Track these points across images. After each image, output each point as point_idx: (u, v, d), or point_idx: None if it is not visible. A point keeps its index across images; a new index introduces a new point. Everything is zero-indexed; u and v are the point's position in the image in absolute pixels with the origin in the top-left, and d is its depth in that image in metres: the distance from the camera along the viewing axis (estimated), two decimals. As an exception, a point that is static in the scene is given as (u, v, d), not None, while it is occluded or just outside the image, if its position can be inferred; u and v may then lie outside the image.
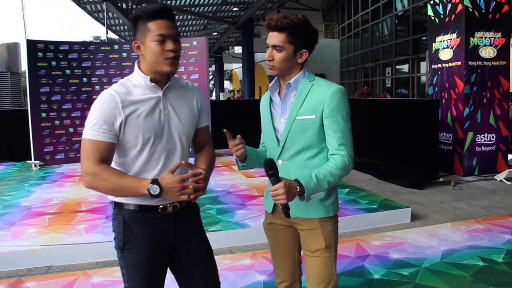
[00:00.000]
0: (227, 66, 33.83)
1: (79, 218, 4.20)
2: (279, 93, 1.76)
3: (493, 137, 6.32)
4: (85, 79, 7.90)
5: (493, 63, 6.24)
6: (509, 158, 6.56)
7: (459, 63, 6.21)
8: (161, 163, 1.57)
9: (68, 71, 7.75)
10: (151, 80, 1.56)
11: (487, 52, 6.21)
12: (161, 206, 1.57)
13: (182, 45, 1.72)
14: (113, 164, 1.55)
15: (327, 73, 18.44)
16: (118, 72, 8.02)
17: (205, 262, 1.70)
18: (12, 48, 15.74)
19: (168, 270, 1.70)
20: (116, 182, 1.45)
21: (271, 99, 1.78)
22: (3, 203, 4.85)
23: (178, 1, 17.81)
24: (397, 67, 14.94)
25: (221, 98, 23.17)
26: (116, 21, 21.14)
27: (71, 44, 7.86)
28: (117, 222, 1.58)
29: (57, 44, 7.69)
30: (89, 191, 5.38)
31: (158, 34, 1.48)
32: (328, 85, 1.65)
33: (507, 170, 5.89)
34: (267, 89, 1.80)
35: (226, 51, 31.88)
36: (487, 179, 5.97)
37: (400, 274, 2.97)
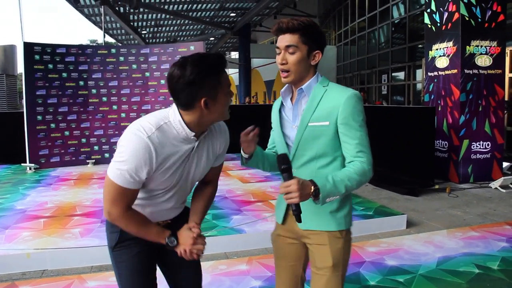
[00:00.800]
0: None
1: (74, 222, 4.17)
2: (291, 99, 1.67)
3: (488, 145, 6.36)
4: (81, 83, 7.89)
5: (489, 71, 6.30)
6: (504, 166, 6.60)
7: (455, 71, 6.26)
8: (169, 194, 1.62)
9: (64, 74, 7.74)
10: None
11: (483, 61, 6.26)
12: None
13: (180, 49, 1.74)
14: None
15: (323, 80, 18.43)
16: (115, 76, 8.03)
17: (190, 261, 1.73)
18: (8, 51, 15.73)
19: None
20: (139, 229, 1.53)
21: (282, 105, 1.70)
22: (-3, 206, 4.81)
23: (176, 6, 17.88)
24: (393, 74, 15.01)
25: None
26: (114, 24, 21.20)
27: (68, 47, 7.85)
28: (111, 223, 1.61)
29: (54, 47, 7.69)
30: (85, 195, 5.37)
31: (228, 84, 1.48)
32: (342, 90, 1.56)
33: (502, 178, 5.92)
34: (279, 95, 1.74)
35: (223, 57, 31.94)
36: (482, 187, 6.00)
37: (396, 281, 2.97)
